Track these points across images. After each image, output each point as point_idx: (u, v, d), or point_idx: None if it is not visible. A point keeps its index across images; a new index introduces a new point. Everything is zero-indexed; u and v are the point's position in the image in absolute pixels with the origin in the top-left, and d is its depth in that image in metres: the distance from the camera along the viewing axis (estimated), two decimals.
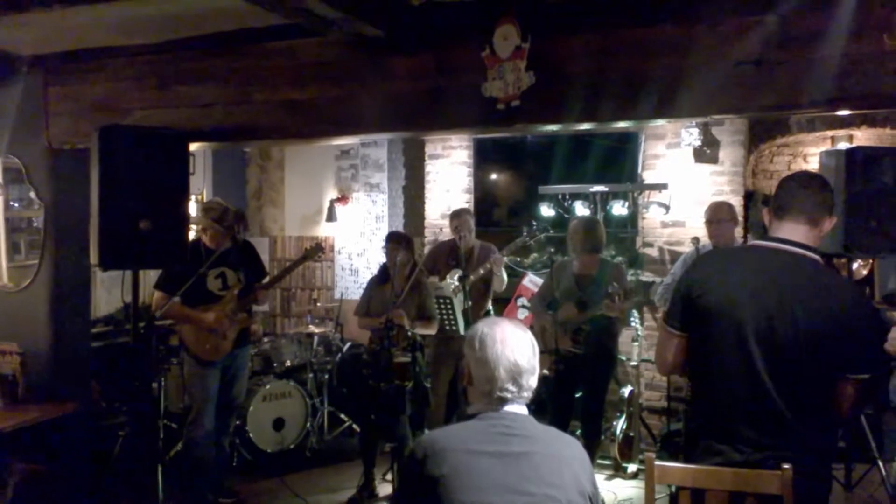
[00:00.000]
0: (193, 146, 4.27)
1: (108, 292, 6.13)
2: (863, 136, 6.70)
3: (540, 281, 5.73)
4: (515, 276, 6.26)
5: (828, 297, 2.22)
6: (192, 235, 4.67)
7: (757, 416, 2.26)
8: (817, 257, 2.33)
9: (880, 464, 4.20)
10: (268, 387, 5.56)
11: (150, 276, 5.02)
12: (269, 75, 4.15)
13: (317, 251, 4.85)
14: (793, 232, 2.33)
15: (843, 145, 6.49)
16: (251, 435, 5.39)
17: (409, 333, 4.50)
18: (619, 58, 3.45)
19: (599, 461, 5.28)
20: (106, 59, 4.53)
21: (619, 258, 6.32)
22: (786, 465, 2.16)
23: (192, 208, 6.41)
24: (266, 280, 4.88)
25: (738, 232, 5.64)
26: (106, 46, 4.46)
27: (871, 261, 5.35)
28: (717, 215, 4.89)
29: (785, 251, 2.32)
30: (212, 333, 4.48)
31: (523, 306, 6.18)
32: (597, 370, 4.77)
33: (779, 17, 3.09)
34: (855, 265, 4.89)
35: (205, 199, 7.13)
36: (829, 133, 6.73)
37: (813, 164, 6.70)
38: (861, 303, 2.36)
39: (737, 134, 5.91)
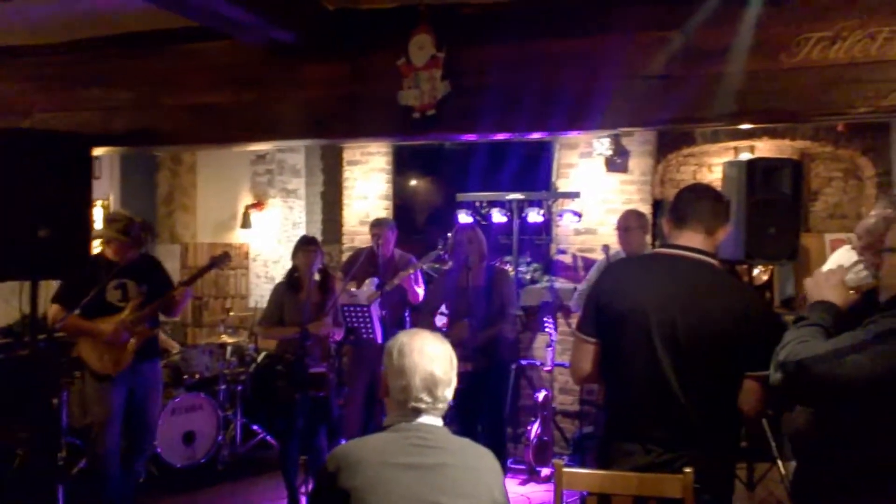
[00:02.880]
0: (101, 150, 4.12)
1: (6, 302, 5.80)
2: (764, 147, 7.03)
3: None
4: (432, 283, 6.26)
5: (728, 298, 2.32)
6: (97, 248, 4.50)
7: (664, 417, 2.33)
8: (715, 262, 2.45)
9: (780, 463, 4.38)
10: (177, 400, 5.39)
11: (51, 286, 4.78)
12: (179, 79, 4.05)
13: (223, 260, 4.70)
14: (692, 240, 2.44)
15: (745, 156, 6.78)
16: (159, 450, 5.21)
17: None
18: (533, 69, 3.51)
19: (513, 466, 5.34)
20: (5, 57, 4.31)
21: (535, 265, 6.43)
22: (687, 469, 2.23)
23: (98, 214, 6.17)
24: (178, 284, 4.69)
25: (648, 239, 5.83)
26: (7, 46, 4.24)
27: (771, 267, 5.60)
28: (627, 223, 5.03)
29: (686, 258, 2.42)
30: (110, 346, 4.29)
31: (442, 313, 6.19)
32: (492, 385, 4.67)
33: (683, 34, 3.21)
34: (756, 271, 5.10)
35: (112, 205, 6.87)
36: (733, 144, 7.03)
37: (717, 174, 6.97)
38: (759, 302, 2.49)
39: (645, 144, 6.10)
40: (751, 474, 4.59)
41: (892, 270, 1.99)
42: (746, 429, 4.09)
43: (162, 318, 4.84)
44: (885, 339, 1.80)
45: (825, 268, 3.63)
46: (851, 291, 2.05)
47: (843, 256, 4.14)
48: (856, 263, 2.09)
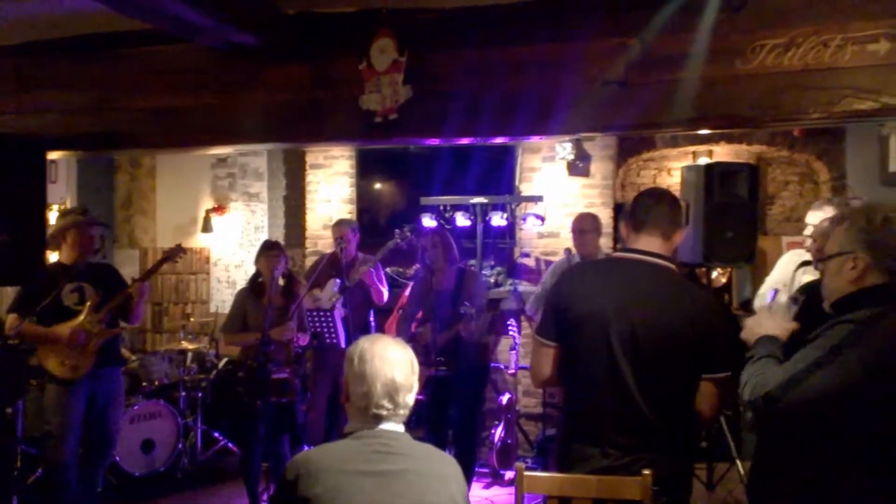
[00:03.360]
0: (58, 154, 4.03)
1: None
2: (722, 152, 7.15)
3: None
4: (398, 286, 6.26)
5: (685, 302, 2.35)
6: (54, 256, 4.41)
7: (623, 420, 2.35)
8: (673, 266, 2.48)
9: (738, 463, 4.46)
10: (136, 407, 5.30)
11: (7, 292, 4.68)
12: (138, 81, 3.99)
13: (177, 252, 4.64)
14: (650, 244, 2.47)
15: (703, 160, 6.90)
16: (118, 458, 5.12)
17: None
18: (494, 75, 3.54)
19: (477, 469, 5.34)
20: None
21: (499, 268, 6.45)
22: (646, 471, 2.26)
23: (53, 219, 6.04)
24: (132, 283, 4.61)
25: (608, 243, 5.90)
26: None
27: (729, 270, 5.70)
28: (582, 226, 5.09)
29: (644, 262, 2.45)
30: (71, 350, 4.21)
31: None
32: (468, 389, 4.68)
33: (641, 41, 3.25)
34: (714, 274, 5.20)
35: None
36: (691, 148, 7.14)
37: (677, 178, 7.08)
38: (715, 305, 2.52)
39: (606, 149, 6.17)
40: (710, 474, 4.66)
41: (831, 278, 2.05)
42: (705, 430, 4.17)
43: (122, 324, 4.76)
44: (837, 352, 1.85)
45: (775, 270, 3.70)
46: (791, 324, 2.10)
47: (790, 260, 4.25)
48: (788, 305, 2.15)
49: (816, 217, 3.70)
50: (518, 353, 5.68)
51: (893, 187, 6.05)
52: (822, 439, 1.89)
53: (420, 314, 4.85)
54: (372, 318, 5.59)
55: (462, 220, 5.98)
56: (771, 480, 2.06)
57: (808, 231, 3.75)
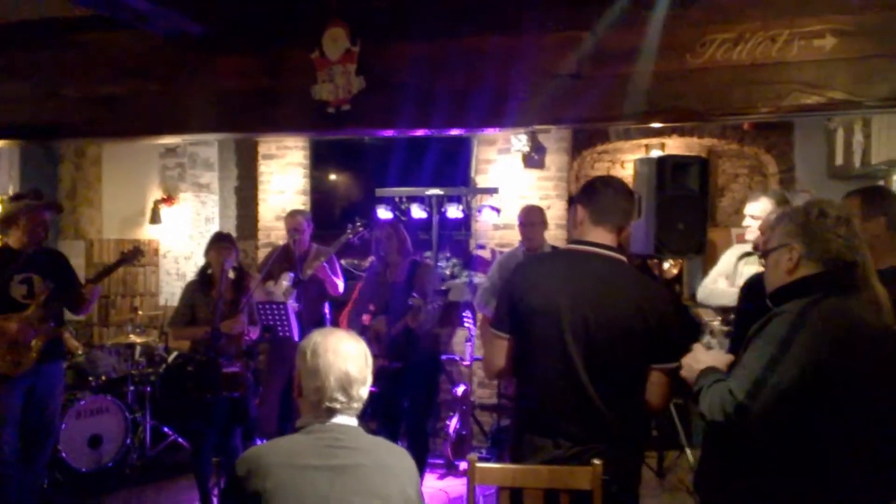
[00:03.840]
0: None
1: None
2: (674, 145, 7.26)
3: None
4: (353, 279, 6.21)
5: (635, 294, 2.39)
6: None
7: (575, 411, 2.37)
8: (624, 259, 2.51)
9: (688, 451, 4.54)
10: (82, 402, 5.17)
11: None
12: (82, 69, 3.88)
13: (134, 255, 4.53)
14: (605, 237, 2.49)
15: (655, 153, 7.00)
16: (64, 454, 5.00)
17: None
18: (448, 66, 3.52)
19: (432, 461, 5.35)
20: None
21: (455, 260, 6.45)
22: (596, 461, 2.28)
23: None
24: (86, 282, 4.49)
25: (564, 234, 5.94)
26: None
27: (680, 261, 5.78)
28: (530, 218, 5.12)
29: (598, 255, 2.47)
30: (12, 345, 4.08)
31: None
32: (420, 380, 4.65)
33: (594, 35, 3.27)
34: (666, 265, 5.26)
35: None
36: (644, 141, 7.23)
37: (630, 170, 7.16)
38: (665, 296, 2.56)
39: (561, 141, 6.21)
40: (661, 462, 4.74)
41: (770, 270, 2.12)
42: (655, 419, 4.24)
43: (68, 315, 4.64)
44: (787, 346, 1.88)
45: (719, 262, 3.77)
46: (728, 356, 2.14)
47: (733, 252, 4.36)
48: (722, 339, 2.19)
49: (754, 208, 3.77)
50: (473, 344, 5.70)
51: (840, 180, 6.21)
52: (787, 430, 1.91)
53: (373, 306, 4.82)
54: (327, 311, 5.54)
55: (418, 212, 5.95)
56: (721, 471, 2.09)
57: (747, 222, 3.82)
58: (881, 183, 5.89)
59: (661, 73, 3.30)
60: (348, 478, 1.91)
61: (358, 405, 2.01)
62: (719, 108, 3.34)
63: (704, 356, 2.16)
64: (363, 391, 2.01)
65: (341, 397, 1.96)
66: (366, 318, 4.88)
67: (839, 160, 6.30)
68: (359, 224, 5.09)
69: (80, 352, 5.66)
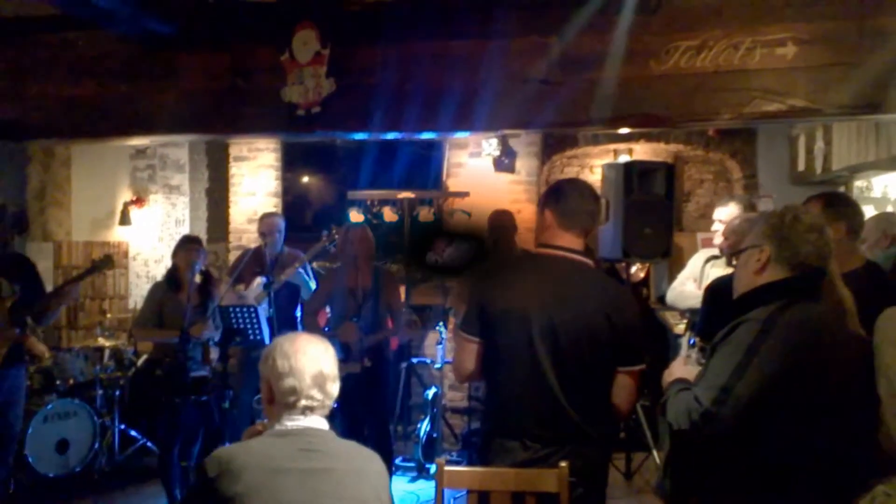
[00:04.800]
0: None
1: None
2: (641, 150, 7.34)
3: None
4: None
5: (603, 298, 2.42)
6: None
7: (543, 413, 2.40)
8: (591, 262, 2.54)
9: (655, 452, 4.60)
10: (50, 407, 5.10)
11: None
12: (45, 69, 3.83)
13: (106, 264, 4.47)
14: (573, 241, 2.52)
15: (623, 158, 7.08)
16: (31, 459, 4.93)
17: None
18: (418, 70, 3.54)
19: (403, 464, 5.36)
20: None
21: None
22: (562, 463, 2.31)
23: None
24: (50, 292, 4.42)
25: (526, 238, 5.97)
26: None
27: (647, 265, 5.85)
28: (503, 221, 5.17)
29: (567, 259, 2.49)
30: None
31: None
32: (378, 386, 4.59)
33: (561, 41, 3.31)
34: (633, 269, 5.33)
35: None
36: (612, 146, 7.31)
37: (598, 175, 7.24)
38: (631, 300, 2.59)
39: (531, 146, 6.26)
40: (628, 464, 4.79)
41: (739, 269, 2.14)
42: (622, 422, 4.28)
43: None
44: (753, 354, 1.90)
45: (687, 266, 3.82)
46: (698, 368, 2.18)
47: (700, 256, 4.43)
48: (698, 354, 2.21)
49: (722, 213, 3.84)
50: (444, 347, 5.71)
51: (802, 186, 6.33)
52: (753, 437, 1.93)
53: (328, 309, 4.79)
54: (298, 315, 5.51)
55: (390, 215, 5.97)
56: (687, 479, 2.12)
57: (716, 227, 3.89)
58: (842, 189, 6.02)
59: (627, 79, 3.35)
60: (320, 481, 1.91)
61: (330, 403, 2.02)
62: (683, 114, 3.40)
63: (681, 369, 2.17)
64: (335, 388, 2.03)
65: (317, 395, 1.97)
66: (321, 317, 4.86)
67: (801, 166, 6.43)
68: (335, 231, 5.07)
69: (47, 355, 5.58)
